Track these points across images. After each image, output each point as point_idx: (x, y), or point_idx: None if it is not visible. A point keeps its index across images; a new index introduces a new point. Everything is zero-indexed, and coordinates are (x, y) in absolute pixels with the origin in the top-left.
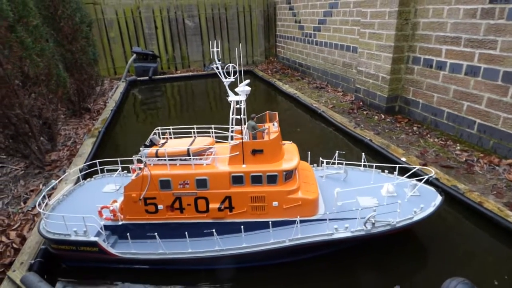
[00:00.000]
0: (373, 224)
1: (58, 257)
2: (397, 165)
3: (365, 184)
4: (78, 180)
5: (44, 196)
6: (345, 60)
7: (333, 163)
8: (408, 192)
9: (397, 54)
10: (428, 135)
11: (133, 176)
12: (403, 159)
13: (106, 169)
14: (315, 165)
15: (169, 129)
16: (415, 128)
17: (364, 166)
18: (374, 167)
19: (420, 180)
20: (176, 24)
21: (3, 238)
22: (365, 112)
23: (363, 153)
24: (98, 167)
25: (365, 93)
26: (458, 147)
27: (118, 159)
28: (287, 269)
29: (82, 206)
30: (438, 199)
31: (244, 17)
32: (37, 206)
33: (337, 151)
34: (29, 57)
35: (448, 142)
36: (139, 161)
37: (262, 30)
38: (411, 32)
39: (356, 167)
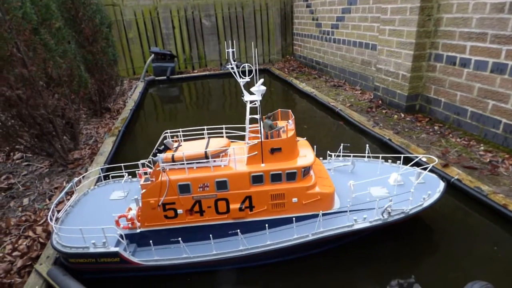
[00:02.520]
0: (389, 213)
1: (76, 271)
2: (402, 155)
3: (372, 174)
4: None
5: (53, 209)
6: (363, 58)
7: (338, 156)
8: (414, 180)
9: (418, 51)
10: (450, 135)
11: (141, 181)
12: (424, 159)
13: (111, 176)
14: (321, 158)
15: (178, 131)
16: (436, 128)
17: (368, 157)
18: (380, 157)
19: (424, 169)
20: (193, 23)
21: (30, 233)
22: (384, 111)
23: (367, 144)
24: (101, 174)
25: (384, 91)
26: (482, 148)
27: (122, 164)
28: (296, 264)
29: (91, 215)
30: (442, 185)
31: (260, 16)
32: (48, 220)
33: (342, 144)
34: (52, 58)
35: (471, 142)
36: (147, 165)
37: (279, 28)
38: (434, 28)
39: (360, 159)
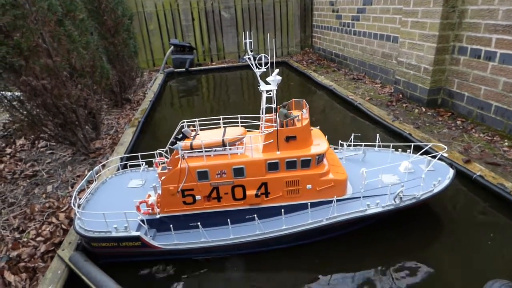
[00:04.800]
0: (401, 198)
1: (98, 255)
2: (412, 144)
3: (383, 163)
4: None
5: (75, 195)
6: (384, 51)
7: (349, 145)
8: (425, 168)
9: (441, 44)
10: (473, 130)
11: (158, 170)
12: (445, 154)
13: (129, 165)
14: (332, 147)
15: (195, 121)
16: (458, 122)
17: (379, 146)
18: (391, 146)
19: (434, 157)
20: (213, 15)
21: (53, 219)
22: (404, 105)
23: (377, 134)
24: (120, 164)
25: (405, 85)
26: (506, 143)
27: (139, 154)
28: (309, 250)
29: (111, 202)
30: (451, 172)
31: (280, 8)
32: (72, 205)
33: (353, 134)
34: (76, 49)
35: (495, 138)
36: (164, 155)
37: (298, 21)
38: (458, 20)
39: (371, 148)
